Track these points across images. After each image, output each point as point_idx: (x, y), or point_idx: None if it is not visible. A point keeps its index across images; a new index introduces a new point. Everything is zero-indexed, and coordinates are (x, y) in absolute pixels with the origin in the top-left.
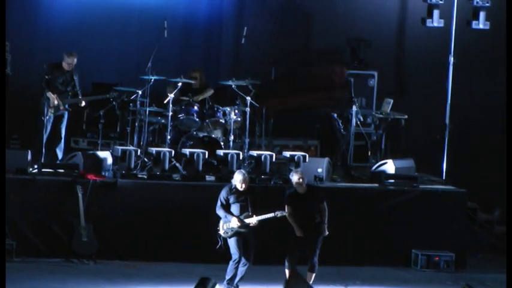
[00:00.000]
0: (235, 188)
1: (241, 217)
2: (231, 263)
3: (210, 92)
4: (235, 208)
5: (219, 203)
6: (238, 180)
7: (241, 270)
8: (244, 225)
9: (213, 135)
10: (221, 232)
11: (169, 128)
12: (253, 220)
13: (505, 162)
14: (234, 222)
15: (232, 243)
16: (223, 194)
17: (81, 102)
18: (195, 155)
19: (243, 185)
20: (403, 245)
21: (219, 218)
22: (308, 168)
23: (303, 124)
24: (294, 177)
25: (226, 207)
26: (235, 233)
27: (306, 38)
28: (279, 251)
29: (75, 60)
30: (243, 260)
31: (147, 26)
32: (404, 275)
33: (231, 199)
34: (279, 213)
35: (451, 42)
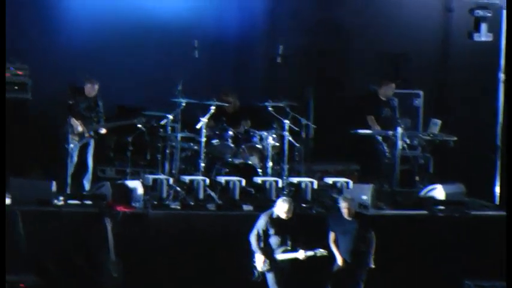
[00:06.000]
0: (277, 217)
1: (279, 251)
2: None
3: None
4: (274, 240)
5: (254, 232)
6: (283, 209)
7: None
8: (277, 263)
9: (249, 162)
10: (257, 265)
11: (202, 154)
12: (300, 255)
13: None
14: (259, 262)
15: (270, 277)
16: (261, 224)
17: (100, 129)
18: (231, 183)
19: (288, 215)
20: (455, 274)
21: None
22: (352, 195)
23: (344, 147)
24: (343, 204)
25: (263, 238)
26: (272, 267)
27: (344, 54)
28: (318, 280)
29: (96, 86)
30: None
31: (176, 46)
32: None
33: (271, 230)
34: (318, 253)
35: (500, 58)
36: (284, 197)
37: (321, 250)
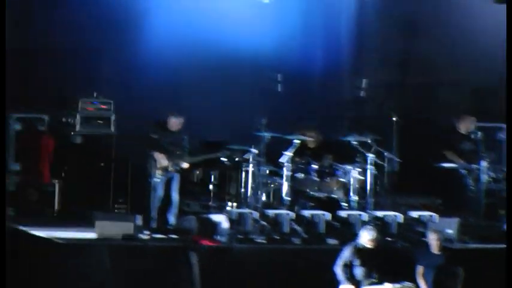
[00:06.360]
0: (363, 247)
1: (366, 283)
2: None
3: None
4: (359, 271)
5: (340, 263)
6: (368, 237)
7: None
8: None
9: (334, 195)
10: None
11: (286, 188)
12: None
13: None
14: None
15: None
16: (345, 255)
17: (184, 164)
18: (316, 216)
19: (374, 244)
20: None
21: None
22: (437, 228)
23: (428, 181)
24: (432, 237)
25: (348, 270)
26: None
27: (428, 87)
28: None
29: (181, 120)
30: None
31: (259, 80)
32: None
33: (356, 261)
34: (406, 286)
35: None
36: (368, 226)
37: (408, 283)
